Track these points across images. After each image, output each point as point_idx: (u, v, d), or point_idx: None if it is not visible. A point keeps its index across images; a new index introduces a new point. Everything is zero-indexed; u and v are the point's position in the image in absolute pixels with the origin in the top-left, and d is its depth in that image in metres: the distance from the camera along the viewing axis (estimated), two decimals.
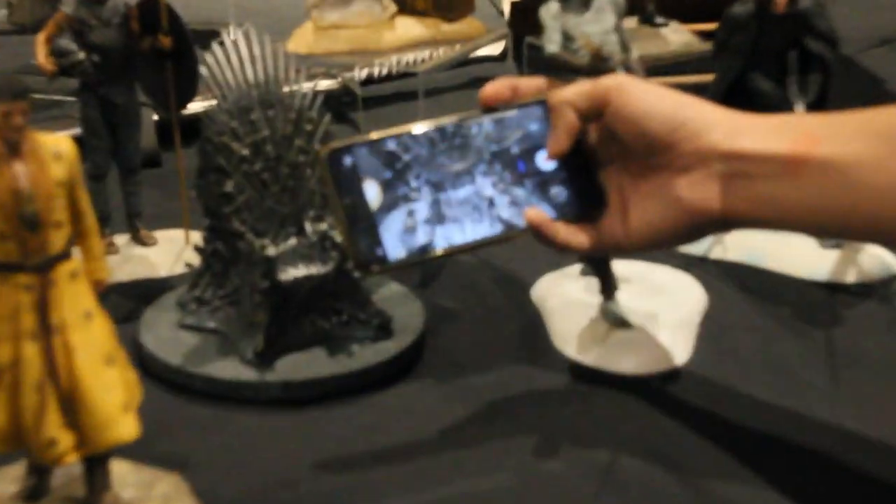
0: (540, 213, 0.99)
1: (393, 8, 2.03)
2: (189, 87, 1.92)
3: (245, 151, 1.64)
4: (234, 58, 1.69)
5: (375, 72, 2.70)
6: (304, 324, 1.65)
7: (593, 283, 1.76)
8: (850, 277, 1.91)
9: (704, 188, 0.95)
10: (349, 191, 0.95)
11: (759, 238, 2.00)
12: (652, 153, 0.97)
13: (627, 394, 1.60)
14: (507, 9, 3.19)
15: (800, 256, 1.95)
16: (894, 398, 1.59)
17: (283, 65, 1.70)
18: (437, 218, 0.97)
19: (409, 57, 2.25)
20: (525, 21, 1.76)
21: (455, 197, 0.99)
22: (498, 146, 1.02)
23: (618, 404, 1.58)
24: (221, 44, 1.71)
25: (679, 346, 1.70)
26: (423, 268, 1.96)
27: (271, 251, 1.59)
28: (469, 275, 1.94)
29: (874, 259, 1.94)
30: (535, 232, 0.98)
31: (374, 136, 0.95)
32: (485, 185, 1.00)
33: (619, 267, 1.81)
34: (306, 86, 1.75)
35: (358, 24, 2.02)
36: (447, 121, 1.00)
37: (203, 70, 1.71)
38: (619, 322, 1.72)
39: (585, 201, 1.02)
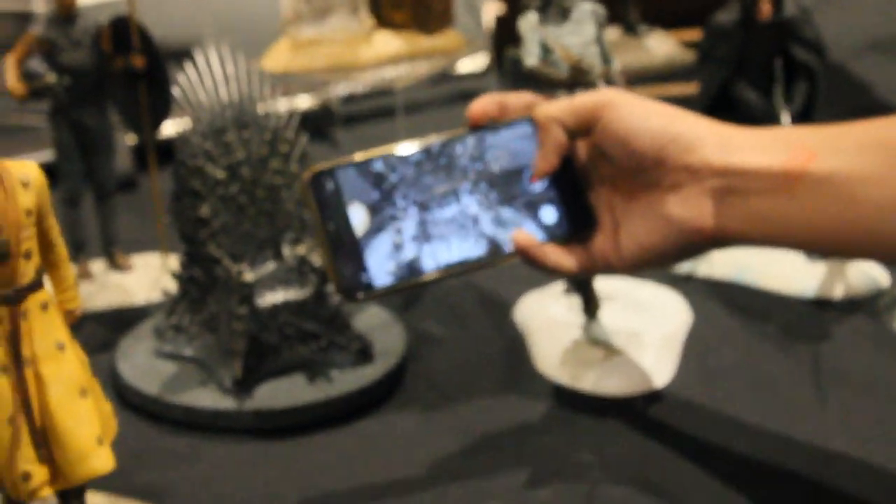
0: (528, 235, 0.98)
1: (370, 22, 2.01)
2: (163, 108, 1.89)
3: (220, 174, 1.61)
4: (207, 78, 1.66)
5: (355, 89, 2.68)
6: (283, 350, 1.63)
7: (576, 301, 1.74)
8: (838, 293, 1.89)
9: (696, 205, 0.93)
10: (333, 215, 0.93)
11: (746, 255, 1.98)
12: (642, 170, 0.96)
13: (612, 415, 1.58)
14: (490, 22, 3.18)
15: (786, 273, 1.93)
16: (881, 416, 1.57)
17: (258, 83, 1.67)
18: (424, 241, 0.95)
19: (389, 73, 2.23)
20: (509, 33, 1.73)
21: (442, 219, 0.96)
22: (484, 166, 1.00)
23: (602, 426, 1.56)
24: (194, 63, 1.68)
25: (663, 366, 1.68)
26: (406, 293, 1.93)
27: (249, 276, 1.57)
28: (450, 297, 1.91)
29: (861, 274, 1.92)
30: (524, 255, 0.97)
31: (359, 157, 0.95)
32: (472, 206, 0.97)
33: (603, 284, 1.79)
34: (282, 105, 1.72)
35: (334, 39, 1.99)
36: (433, 140, 0.98)
37: (176, 91, 1.68)
38: (602, 342, 1.69)
39: (575, 222, 1.00)
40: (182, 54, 2.07)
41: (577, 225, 1.01)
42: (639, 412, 1.59)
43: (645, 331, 1.74)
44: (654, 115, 0.96)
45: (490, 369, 1.71)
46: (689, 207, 0.94)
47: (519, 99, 1.03)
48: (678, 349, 1.74)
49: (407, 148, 0.98)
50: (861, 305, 1.87)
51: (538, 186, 1.00)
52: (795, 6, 1.93)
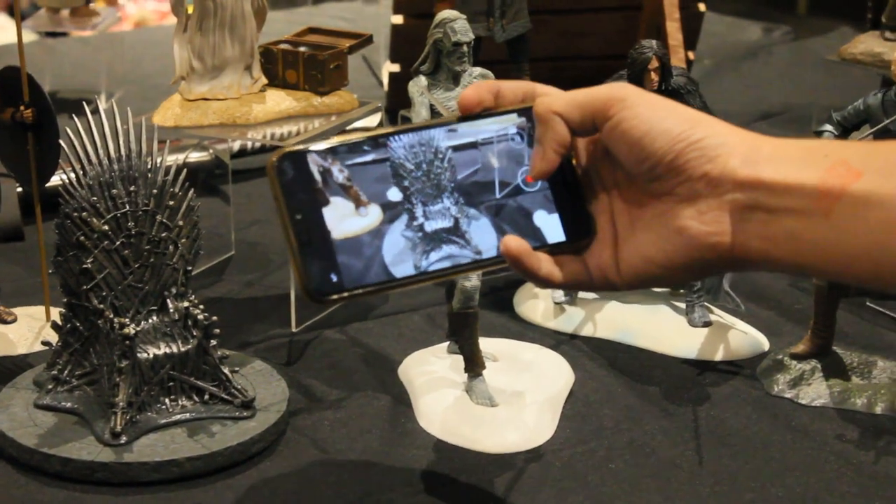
0: (520, 241, 0.88)
1: (263, 80, 2.01)
2: (51, 160, 1.88)
3: (105, 227, 1.61)
4: (96, 131, 1.65)
5: (248, 144, 2.69)
6: (164, 403, 1.62)
7: (460, 361, 1.75)
8: (719, 355, 1.92)
9: (714, 219, 0.85)
10: (301, 205, 0.84)
11: (629, 315, 2.00)
12: (654, 177, 0.87)
13: (494, 473, 1.60)
14: (385, 79, 3.20)
15: (668, 334, 1.96)
16: (759, 478, 1.60)
17: (148, 138, 1.67)
18: (403, 240, 0.87)
19: (283, 129, 2.24)
20: (404, 93, 1.75)
21: (423, 215, 0.88)
22: (474, 160, 0.91)
23: (483, 484, 1.57)
24: (84, 116, 1.68)
25: (545, 424, 1.70)
26: (290, 344, 1.94)
27: (130, 329, 1.56)
28: (335, 352, 1.92)
29: (743, 337, 1.95)
30: (514, 263, 0.88)
31: (334, 141, 0.86)
32: (457, 204, 0.90)
33: (487, 344, 1.80)
34: (171, 159, 1.72)
35: (227, 96, 1.99)
36: (418, 126, 0.90)
37: (65, 143, 1.68)
38: (485, 400, 1.71)
39: (571, 230, 0.92)
40: (72, 106, 2.06)
41: (574, 233, 0.91)
42: (520, 470, 1.61)
43: (527, 390, 1.75)
44: (673, 116, 0.87)
45: (373, 425, 1.71)
46: (706, 221, 0.85)
47: (516, 88, 0.93)
48: (559, 408, 1.75)
49: (388, 134, 0.88)
50: (741, 368, 1.90)
51: (532, 188, 0.91)
52: (683, 76, 1.97)
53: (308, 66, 2.03)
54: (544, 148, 0.90)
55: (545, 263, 0.89)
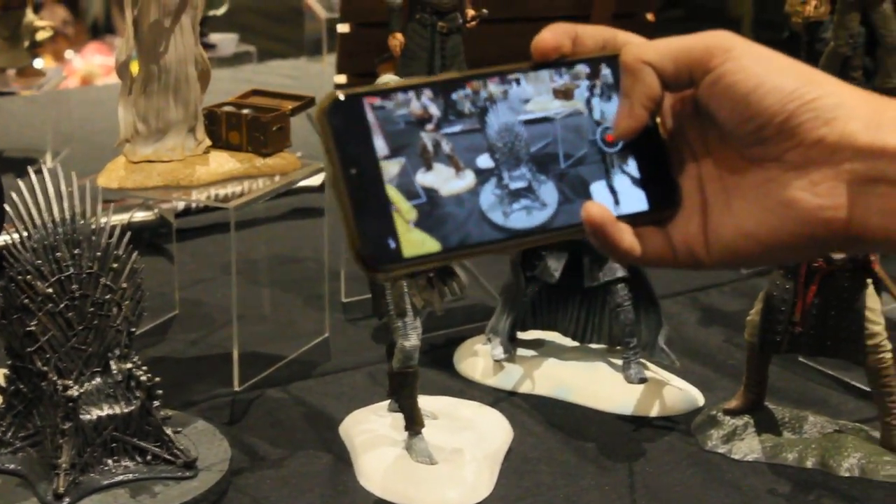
0: (602, 208, 0.78)
1: (207, 142, 2.04)
2: None
3: (49, 290, 1.63)
4: (40, 193, 1.68)
5: (192, 203, 2.71)
6: (107, 464, 1.64)
7: (400, 419, 1.78)
8: (654, 411, 1.95)
9: (829, 191, 0.75)
10: (357, 158, 0.74)
11: (566, 372, 2.04)
12: (759, 140, 0.76)
13: None
14: None
15: (605, 390, 1.99)
16: None
17: (92, 201, 1.69)
18: (469, 203, 0.77)
19: (227, 190, 2.26)
20: None
21: (492, 175, 0.78)
22: (549, 113, 0.80)
23: None
24: (28, 178, 1.70)
25: (483, 482, 1.72)
26: (232, 403, 1.96)
27: (74, 391, 1.58)
28: (277, 411, 1.94)
29: (678, 393, 1.99)
30: (595, 232, 0.78)
31: (395, 84, 0.76)
32: (530, 163, 0.79)
33: (427, 402, 1.83)
34: (117, 218, 1.75)
35: (171, 158, 2.02)
36: (489, 73, 0.79)
37: (8, 207, 1.70)
38: (424, 458, 1.73)
39: (655, 198, 0.81)
40: (19, 165, 2.09)
41: (657, 202, 0.81)
42: None
43: (466, 447, 1.78)
44: (786, 70, 0.76)
45: (315, 484, 1.73)
46: (820, 193, 0.75)
47: (595, 33, 0.82)
48: (498, 465, 1.78)
49: (455, 80, 0.78)
50: (677, 423, 1.94)
51: (613, 148, 0.81)
52: None
53: (251, 127, 2.06)
54: (632, 102, 0.79)
55: (627, 234, 0.79)
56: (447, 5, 2.17)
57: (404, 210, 0.74)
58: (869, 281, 1.80)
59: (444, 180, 0.75)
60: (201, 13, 2.04)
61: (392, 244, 0.73)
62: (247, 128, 2.06)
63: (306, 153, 2.15)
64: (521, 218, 0.77)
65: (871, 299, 1.80)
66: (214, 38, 4.06)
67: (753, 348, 1.86)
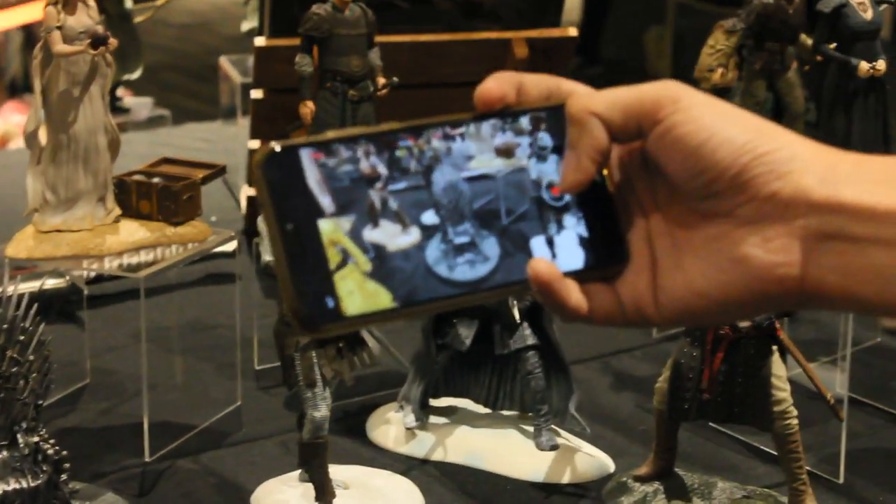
0: (549, 265, 0.75)
1: (117, 211, 2.04)
2: None
3: None
4: None
5: (104, 271, 2.69)
6: None
7: (312, 489, 1.77)
8: (566, 478, 1.96)
9: (782, 248, 0.72)
10: (293, 212, 0.70)
11: (478, 439, 2.04)
12: (710, 194, 0.73)
13: None
14: (243, 202, 3.22)
15: (517, 457, 2.00)
16: None
17: None
18: (411, 259, 0.73)
19: (139, 258, 2.25)
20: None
21: (436, 232, 0.75)
22: (492, 166, 0.77)
23: None
24: None
25: None
26: (142, 474, 1.95)
27: None
28: (188, 482, 1.93)
29: (589, 459, 2.00)
30: (541, 289, 0.74)
31: (332, 135, 0.73)
32: (473, 220, 0.76)
33: (338, 472, 1.83)
34: (26, 286, 1.74)
35: (81, 227, 2.01)
36: (430, 124, 0.76)
37: None
38: None
39: (602, 253, 0.78)
40: None
41: (605, 258, 0.77)
42: None
43: None
44: (737, 121, 0.73)
45: None
46: (773, 249, 0.72)
47: (539, 82, 0.78)
48: None
49: (395, 132, 0.74)
50: (588, 490, 1.95)
51: (558, 202, 0.77)
52: None
53: (161, 196, 2.06)
54: (579, 155, 0.76)
55: (574, 292, 0.75)
56: (358, 74, 2.18)
57: (361, 262, 0.71)
58: (774, 348, 1.82)
59: (391, 236, 0.72)
60: (111, 81, 2.04)
61: (331, 303, 0.70)
62: (157, 197, 2.06)
63: (221, 218, 2.14)
64: (465, 271, 0.74)
65: (777, 366, 1.82)
66: (129, 101, 4.05)
67: (662, 415, 1.88)
